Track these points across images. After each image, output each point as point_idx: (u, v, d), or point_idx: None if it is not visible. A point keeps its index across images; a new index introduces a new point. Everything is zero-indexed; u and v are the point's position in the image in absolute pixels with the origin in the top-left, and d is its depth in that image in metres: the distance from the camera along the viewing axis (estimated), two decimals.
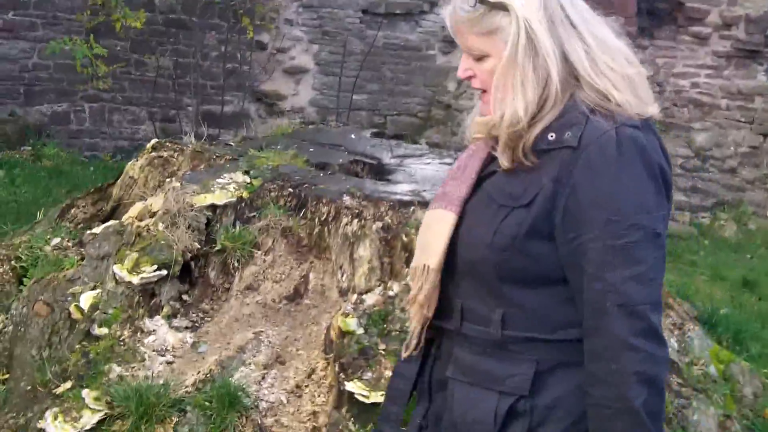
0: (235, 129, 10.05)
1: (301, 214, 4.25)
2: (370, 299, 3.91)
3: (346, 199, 4.22)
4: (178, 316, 4.00)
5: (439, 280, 2.10)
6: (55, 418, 3.47)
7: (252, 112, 11.13)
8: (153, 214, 4.26)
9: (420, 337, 2.19)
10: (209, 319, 4.04)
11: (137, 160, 4.79)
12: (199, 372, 3.72)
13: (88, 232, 4.37)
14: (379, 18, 11.41)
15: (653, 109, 2.02)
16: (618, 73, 1.98)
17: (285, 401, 3.69)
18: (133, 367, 3.73)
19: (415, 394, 2.31)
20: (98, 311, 3.91)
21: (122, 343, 3.82)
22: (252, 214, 4.26)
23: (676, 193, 11.61)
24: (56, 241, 4.45)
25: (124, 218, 4.39)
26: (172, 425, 3.45)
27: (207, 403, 3.53)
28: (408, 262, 3.79)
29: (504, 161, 2.01)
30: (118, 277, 3.94)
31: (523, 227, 1.96)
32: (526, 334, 2.01)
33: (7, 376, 3.95)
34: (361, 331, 3.79)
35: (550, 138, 1.96)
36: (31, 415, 3.63)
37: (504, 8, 1.97)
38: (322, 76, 11.48)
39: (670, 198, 2.01)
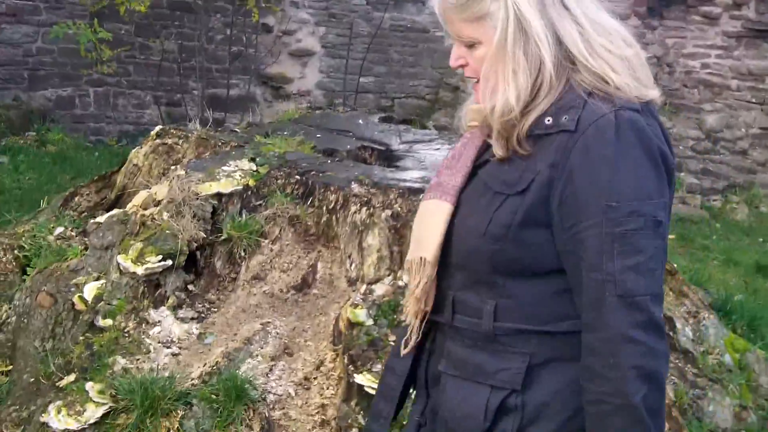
0: (241, 112, 10.00)
1: (309, 202, 4.20)
2: (380, 289, 3.84)
3: (355, 187, 4.17)
4: (184, 306, 3.95)
5: (436, 273, 2.04)
6: (59, 411, 3.41)
7: (258, 96, 11.08)
8: (157, 203, 4.21)
9: (419, 332, 2.12)
10: (215, 309, 3.99)
11: (141, 148, 4.74)
12: (205, 364, 3.66)
13: (92, 221, 4.31)
14: None
15: (653, 93, 1.94)
16: (615, 54, 1.90)
17: (293, 394, 3.63)
18: (138, 360, 3.67)
19: (413, 390, 2.25)
20: (102, 302, 3.86)
21: (127, 335, 3.77)
22: (258, 203, 4.21)
23: (687, 176, 11.56)
24: (60, 230, 4.40)
25: (128, 207, 4.33)
26: (178, 419, 3.40)
27: (213, 396, 3.47)
28: None
29: (498, 150, 1.94)
30: (122, 268, 3.88)
31: (517, 215, 1.89)
32: (518, 325, 1.94)
33: (10, 367, 3.89)
34: (370, 322, 3.72)
35: (546, 122, 1.88)
36: (34, 408, 3.58)
37: None
38: (328, 59, 11.42)
39: (673, 184, 1.93)
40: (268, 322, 3.89)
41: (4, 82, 9.84)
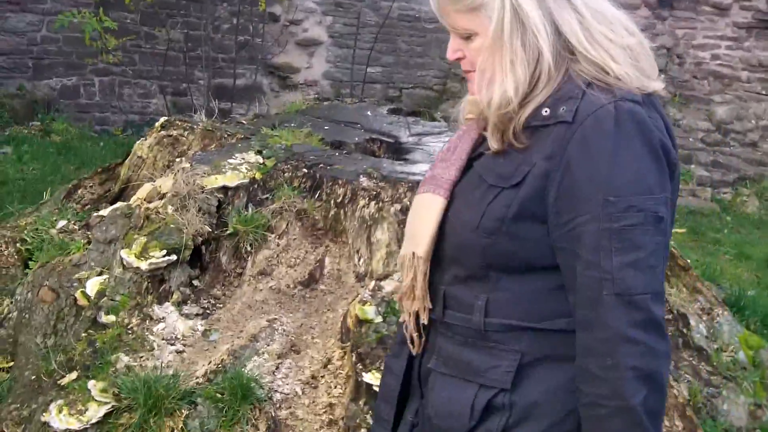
0: (247, 102, 9.97)
1: (316, 196, 4.14)
2: (389, 286, 3.76)
3: (363, 180, 4.10)
4: (189, 302, 3.89)
5: (428, 268, 1.97)
6: (60, 411, 3.34)
7: (265, 86, 11.04)
8: (162, 196, 4.14)
9: (420, 330, 2.05)
10: (221, 305, 3.93)
11: (146, 139, 4.69)
12: (210, 362, 3.59)
13: (95, 214, 4.26)
14: None
15: (656, 85, 1.86)
16: (616, 44, 1.82)
17: (300, 392, 3.56)
18: (142, 357, 3.60)
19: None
20: (105, 298, 3.79)
21: (130, 332, 3.70)
22: (265, 196, 4.16)
23: (698, 168, 11.51)
24: (62, 223, 4.35)
25: (132, 200, 4.27)
26: (182, 418, 3.32)
27: (218, 395, 3.41)
28: None
29: (493, 143, 1.87)
30: (125, 263, 3.82)
31: (511, 209, 1.82)
32: (510, 322, 1.87)
33: (11, 364, 3.82)
34: (379, 319, 3.64)
35: (543, 114, 1.81)
36: (36, 407, 3.50)
37: None
38: (335, 49, 11.36)
39: (676, 179, 1.86)
40: (275, 319, 3.82)
41: (8, 72, 9.81)
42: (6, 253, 4.28)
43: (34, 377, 3.64)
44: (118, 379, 3.43)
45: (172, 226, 3.91)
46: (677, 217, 9.31)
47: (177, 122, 4.77)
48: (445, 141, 4.94)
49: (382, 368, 3.45)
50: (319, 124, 5.03)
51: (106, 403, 3.36)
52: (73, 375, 3.55)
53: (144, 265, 3.78)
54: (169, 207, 3.99)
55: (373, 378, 3.44)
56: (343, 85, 11.04)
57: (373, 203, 3.98)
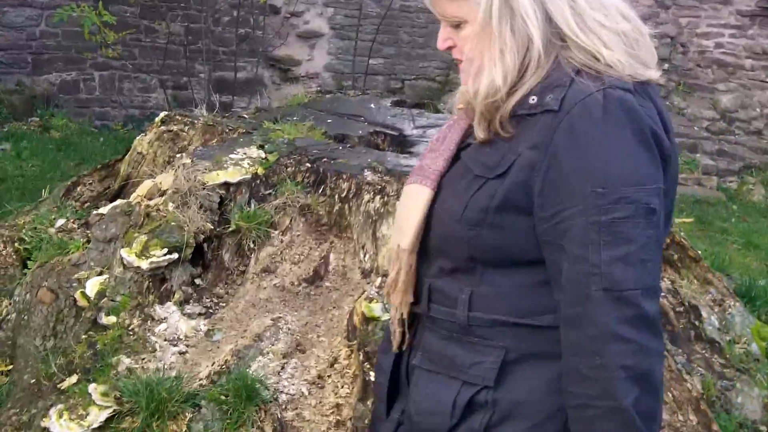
0: (248, 95, 9.93)
1: (320, 191, 4.08)
2: None
3: (368, 174, 4.04)
4: (191, 301, 3.83)
5: (415, 261, 1.92)
6: (60, 416, 3.27)
7: (266, 79, 11.00)
8: (163, 193, 4.08)
9: (404, 326, 1.99)
10: (224, 304, 3.86)
11: (146, 135, 4.64)
12: (213, 363, 3.52)
13: (95, 212, 4.20)
14: None
15: (651, 73, 1.79)
16: (610, 30, 1.75)
17: (306, 393, 3.49)
18: (143, 359, 3.53)
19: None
20: (105, 298, 3.72)
21: (131, 333, 3.63)
22: (268, 192, 4.09)
23: (703, 157, 11.48)
24: (61, 222, 4.29)
25: (132, 197, 4.21)
26: (186, 422, 3.26)
27: (223, 397, 3.34)
28: None
29: (480, 133, 1.81)
30: (126, 262, 3.75)
31: (495, 199, 1.76)
32: (494, 316, 1.80)
33: (10, 367, 3.75)
34: (386, 316, 3.55)
35: (531, 102, 1.75)
36: (35, 412, 3.44)
37: None
38: (337, 41, 11.30)
39: (672, 171, 1.79)
40: (279, 317, 3.75)
41: (7, 67, 9.76)
42: (4, 252, 4.21)
43: (33, 381, 3.58)
44: (119, 382, 3.36)
45: (173, 223, 3.84)
46: (683, 206, 9.33)
47: (177, 117, 4.71)
48: None
49: None
50: (321, 117, 4.97)
51: (107, 407, 3.29)
52: (74, 378, 3.48)
53: (145, 264, 3.70)
54: (170, 204, 3.92)
55: None
56: (345, 77, 11.00)
57: (378, 197, 3.91)
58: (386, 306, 3.59)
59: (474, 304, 1.82)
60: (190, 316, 3.75)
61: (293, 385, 3.51)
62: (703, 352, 4.48)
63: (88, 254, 3.94)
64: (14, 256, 4.20)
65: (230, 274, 3.96)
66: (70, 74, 10.13)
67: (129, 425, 3.25)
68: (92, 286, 3.75)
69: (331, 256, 3.97)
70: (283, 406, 3.42)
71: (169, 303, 3.76)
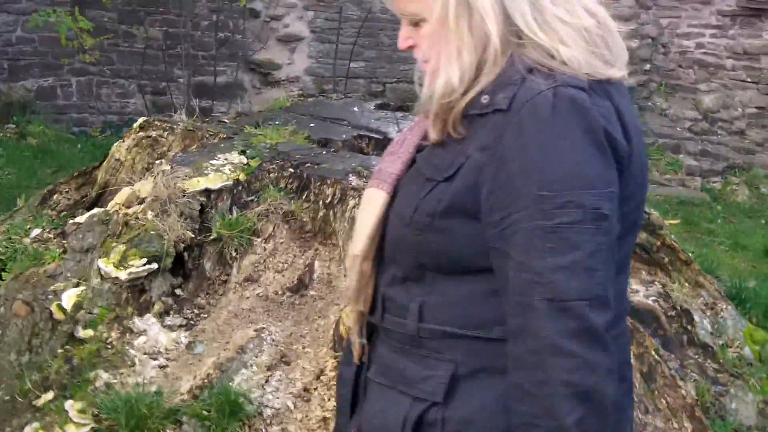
0: (229, 100, 9.89)
1: (304, 197, 4.02)
2: None
3: (352, 179, 3.99)
4: (171, 313, 3.76)
5: (370, 269, 1.83)
6: None
7: (246, 83, 10.94)
8: (141, 201, 4.01)
9: (362, 336, 1.90)
10: (205, 315, 3.80)
11: (123, 141, 4.58)
12: (195, 377, 3.45)
13: (71, 221, 4.13)
14: None
15: (615, 72, 1.69)
16: (572, 26, 1.66)
17: (292, 407, 3.43)
18: (122, 373, 3.46)
19: None
20: (82, 311, 3.64)
21: (109, 346, 3.55)
22: (250, 198, 4.03)
23: (686, 158, 11.49)
24: (36, 231, 4.22)
25: (109, 205, 4.14)
26: None
27: (205, 413, 3.27)
28: None
29: (432, 134, 1.73)
30: (103, 273, 3.68)
31: (442, 203, 1.67)
32: (445, 328, 1.71)
33: None
34: None
35: (483, 101, 1.66)
36: (10, 430, 3.35)
37: None
38: (317, 44, 11.25)
39: (632, 174, 1.68)
40: (263, 328, 3.68)
41: None
42: None
43: (7, 398, 3.48)
44: (97, 398, 3.28)
45: (152, 232, 3.78)
46: (668, 207, 9.29)
47: (156, 122, 4.65)
48: None
49: None
50: (304, 121, 4.92)
51: (85, 424, 3.21)
52: (50, 395, 3.40)
53: (123, 275, 3.63)
54: (149, 212, 3.86)
55: None
56: (326, 81, 10.95)
57: None
58: None
59: (424, 315, 1.74)
60: (170, 328, 3.67)
61: (278, 398, 3.44)
62: (696, 357, 4.44)
63: (65, 265, 3.86)
64: None
65: (212, 284, 3.89)
66: (47, 80, 10.05)
67: None
68: (69, 298, 3.66)
69: (316, 264, 3.90)
70: (268, 421, 3.35)
71: (148, 315, 3.68)
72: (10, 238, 4.18)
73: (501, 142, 1.61)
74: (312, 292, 3.84)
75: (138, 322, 3.63)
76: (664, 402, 3.89)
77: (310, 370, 3.53)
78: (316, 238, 3.96)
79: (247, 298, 3.81)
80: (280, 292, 3.83)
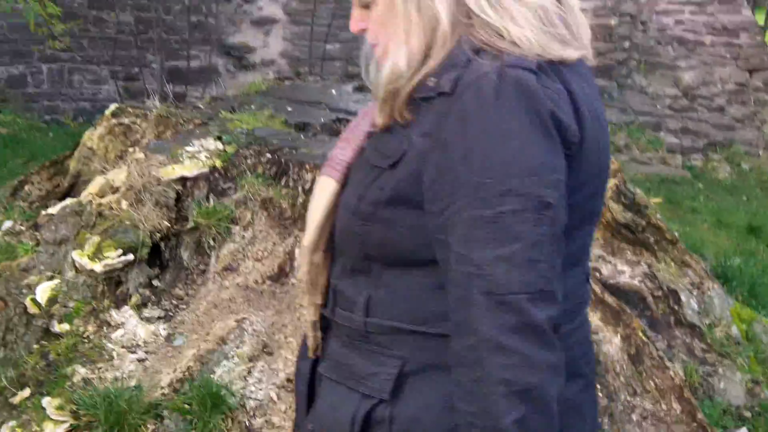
0: (203, 85, 9.81)
1: (283, 183, 3.97)
2: None
3: None
4: (149, 305, 3.71)
5: (323, 260, 1.76)
6: None
7: (220, 67, 10.86)
8: (115, 190, 3.95)
9: (316, 329, 1.82)
10: (184, 306, 3.74)
11: (95, 129, 4.51)
12: (175, 370, 3.40)
13: (44, 212, 4.08)
14: None
15: (570, 52, 1.60)
16: (526, 4, 1.56)
17: (275, 398, 3.38)
18: (100, 368, 3.40)
19: None
20: (57, 305, 3.58)
21: (86, 341, 3.49)
22: (227, 186, 3.97)
23: (667, 135, 11.48)
24: (8, 224, 4.19)
25: (83, 196, 4.09)
26: None
27: (186, 406, 3.23)
28: None
29: (378, 119, 1.64)
30: (78, 265, 3.61)
31: (385, 192, 1.59)
32: (392, 323, 1.64)
33: None
34: None
35: (429, 84, 1.57)
36: None
37: None
38: (292, 26, 11.17)
39: (587, 161, 1.59)
40: (244, 318, 3.62)
41: None
42: None
43: None
44: (75, 394, 3.23)
45: (127, 222, 3.72)
46: (650, 185, 9.26)
47: (129, 109, 4.60)
48: None
49: None
50: (281, 105, 4.84)
51: (63, 421, 3.15)
52: (26, 392, 3.35)
53: (98, 267, 3.56)
54: (124, 202, 3.80)
55: None
56: (302, 64, 10.87)
57: None
58: None
59: (371, 309, 1.67)
60: (148, 320, 3.62)
61: (261, 390, 3.40)
62: (684, 337, 4.42)
63: (38, 258, 3.81)
64: None
65: (190, 274, 3.83)
66: (17, 68, 9.93)
67: None
68: (43, 292, 3.60)
69: (296, 252, 3.82)
70: (251, 413, 3.31)
71: (125, 307, 3.63)
72: None
73: (443, 128, 1.53)
74: (293, 281, 3.78)
75: (115, 315, 3.58)
76: (652, 383, 3.86)
77: (292, 360, 3.46)
78: (295, 224, 3.89)
79: (227, 287, 3.76)
80: (260, 281, 3.78)
